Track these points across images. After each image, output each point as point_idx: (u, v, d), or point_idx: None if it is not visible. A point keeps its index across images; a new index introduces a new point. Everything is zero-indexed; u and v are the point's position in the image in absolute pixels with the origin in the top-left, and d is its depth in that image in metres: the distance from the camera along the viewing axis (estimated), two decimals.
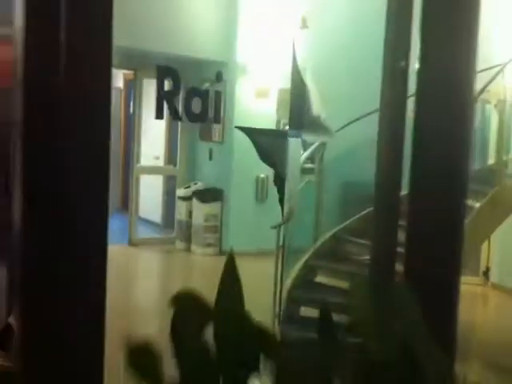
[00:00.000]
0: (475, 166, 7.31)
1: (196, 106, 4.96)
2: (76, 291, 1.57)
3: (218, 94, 5.43)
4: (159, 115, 4.77)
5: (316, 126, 4.15)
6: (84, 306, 1.55)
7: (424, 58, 1.95)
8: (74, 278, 1.58)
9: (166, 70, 4.66)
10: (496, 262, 6.91)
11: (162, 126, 8.27)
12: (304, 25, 6.78)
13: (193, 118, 5.09)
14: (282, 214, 4.72)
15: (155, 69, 4.88)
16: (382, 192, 1.99)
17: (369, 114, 4.73)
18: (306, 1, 6.88)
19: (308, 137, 4.71)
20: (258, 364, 0.76)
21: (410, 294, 0.88)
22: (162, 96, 4.62)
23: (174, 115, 4.85)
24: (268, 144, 4.26)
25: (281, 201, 4.53)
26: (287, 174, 4.66)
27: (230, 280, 0.74)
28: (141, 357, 0.68)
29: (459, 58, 1.97)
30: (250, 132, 4.69)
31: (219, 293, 0.74)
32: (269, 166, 4.78)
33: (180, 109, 4.94)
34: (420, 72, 1.99)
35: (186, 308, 0.74)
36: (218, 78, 6.53)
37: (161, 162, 8.36)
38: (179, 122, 7.62)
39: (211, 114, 5.32)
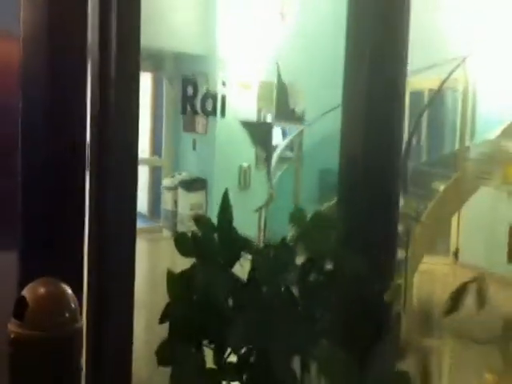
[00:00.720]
0: (444, 150, 8.06)
1: (209, 104, 7.38)
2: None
3: (223, 97, 7.48)
4: (184, 111, 7.57)
5: (291, 116, 5.46)
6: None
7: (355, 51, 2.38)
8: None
9: (189, 81, 7.21)
10: (464, 243, 7.62)
11: (146, 119, 8.88)
12: (282, 18, 7.49)
13: (207, 113, 7.43)
14: None
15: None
16: (345, 177, 2.52)
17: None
18: None
19: (285, 125, 6.74)
20: (240, 257, 1.44)
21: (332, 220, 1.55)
22: (185, 98, 7.27)
23: (193, 111, 7.33)
24: (259, 132, 5.41)
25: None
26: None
27: (225, 210, 1.41)
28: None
29: (391, 50, 2.40)
30: (245, 124, 6.55)
31: (219, 216, 1.42)
32: (260, 149, 6.78)
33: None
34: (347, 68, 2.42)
35: (202, 223, 1.41)
36: (224, 83, 7.69)
37: (146, 154, 8.97)
38: (163, 116, 8.37)
39: (221, 111, 7.45)
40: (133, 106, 2.06)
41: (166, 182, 8.33)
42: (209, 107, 7.46)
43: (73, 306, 2.22)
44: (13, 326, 2.14)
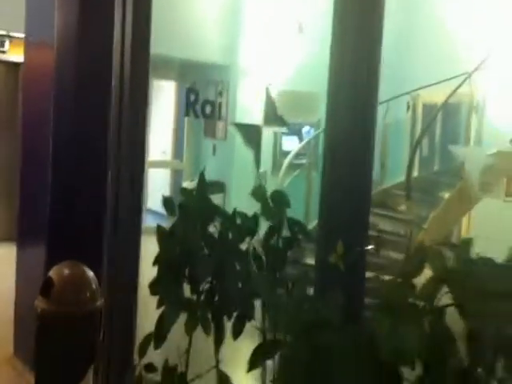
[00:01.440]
0: (457, 161, 8.49)
1: (208, 110, 8.62)
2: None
3: (220, 104, 8.80)
4: (187, 114, 8.73)
5: (279, 121, 7.34)
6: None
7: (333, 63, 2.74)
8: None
9: (192, 90, 8.52)
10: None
11: (169, 123, 9.53)
12: (300, 30, 8.12)
13: (206, 116, 8.80)
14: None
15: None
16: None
17: None
18: (303, 8, 8.13)
19: (272, 128, 8.30)
20: (213, 219, 2.00)
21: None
22: (188, 104, 8.58)
23: (195, 115, 8.65)
24: (249, 133, 7.26)
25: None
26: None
27: (201, 183, 1.97)
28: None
29: (364, 65, 2.72)
30: (238, 126, 7.64)
31: (197, 189, 1.99)
32: (250, 148, 8.06)
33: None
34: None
35: (185, 193, 1.99)
36: (221, 93, 8.83)
37: (168, 157, 9.61)
38: (185, 121, 9.02)
39: (217, 114, 8.79)
40: (142, 106, 2.63)
41: (186, 184, 8.93)
42: (208, 112, 8.83)
43: (93, 286, 2.50)
44: (40, 303, 2.43)
